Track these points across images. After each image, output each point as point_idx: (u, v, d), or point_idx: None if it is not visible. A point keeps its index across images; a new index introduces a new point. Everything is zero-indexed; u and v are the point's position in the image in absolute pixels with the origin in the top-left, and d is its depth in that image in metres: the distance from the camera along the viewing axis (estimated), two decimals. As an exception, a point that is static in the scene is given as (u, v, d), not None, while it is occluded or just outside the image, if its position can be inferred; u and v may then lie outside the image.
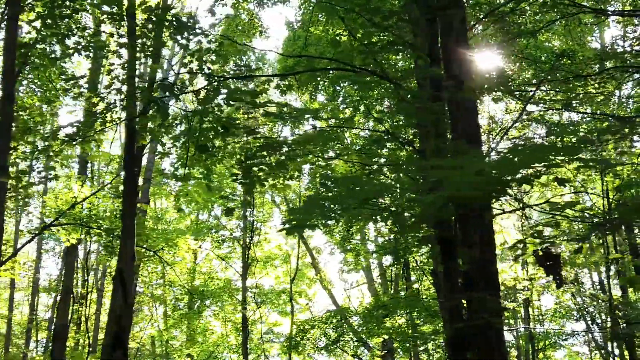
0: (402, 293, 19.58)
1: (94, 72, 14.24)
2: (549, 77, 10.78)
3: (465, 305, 6.78)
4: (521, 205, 10.04)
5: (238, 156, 8.17)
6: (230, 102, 7.72)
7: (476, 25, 12.70)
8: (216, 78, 8.19)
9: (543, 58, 14.44)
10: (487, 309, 6.04)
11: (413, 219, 6.69)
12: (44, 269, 34.65)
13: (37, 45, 10.62)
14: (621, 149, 7.23)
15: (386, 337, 18.51)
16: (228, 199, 16.13)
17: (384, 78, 8.34)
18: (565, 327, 22.55)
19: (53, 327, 19.40)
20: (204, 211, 27.74)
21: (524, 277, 17.02)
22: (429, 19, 8.03)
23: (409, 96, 8.32)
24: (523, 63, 14.33)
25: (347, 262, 25.88)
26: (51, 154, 10.80)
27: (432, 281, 15.56)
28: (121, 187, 11.13)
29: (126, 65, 9.60)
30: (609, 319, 17.66)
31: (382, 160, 11.42)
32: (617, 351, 18.44)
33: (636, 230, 16.50)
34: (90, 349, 19.90)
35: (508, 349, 22.46)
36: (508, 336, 22.52)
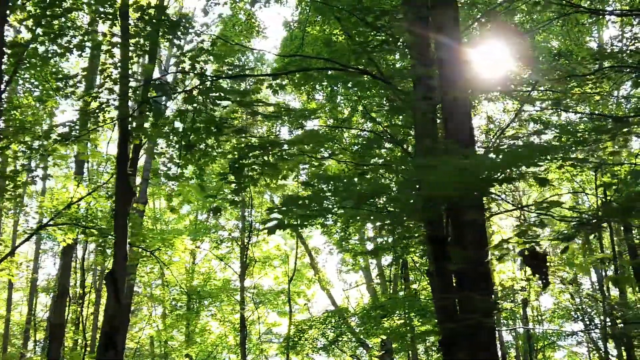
0: (401, 293, 19.55)
1: (91, 71, 14.18)
2: (546, 77, 10.73)
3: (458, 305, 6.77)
4: (518, 206, 10.02)
5: (231, 156, 8.12)
6: (217, 101, 7.69)
7: (473, 25, 12.67)
8: (208, 77, 8.16)
9: (541, 58, 14.41)
10: (477, 308, 6.01)
11: (405, 219, 6.66)
12: (42, 269, 34.57)
13: (31, 45, 10.58)
14: (613, 150, 7.21)
15: (384, 337, 18.48)
16: (216, 198, 16.04)
17: (377, 78, 8.30)
18: (563, 327, 22.53)
19: (49, 327, 19.38)
20: (202, 211, 27.72)
21: (521, 278, 17.00)
22: (422, 18, 7.99)
23: (402, 96, 8.29)
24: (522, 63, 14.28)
25: (345, 263, 25.83)
26: (44, 153, 10.76)
27: (429, 281, 15.52)
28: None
29: (119, 64, 9.55)
30: (607, 319, 17.61)
31: (378, 160, 11.37)
32: (615, 352, 18.40)
33: (635, 231, 16.47)
34: (88, 348, 19.88)
35: (507, 349, 22.45)
36: (507, 336, 22.51)
